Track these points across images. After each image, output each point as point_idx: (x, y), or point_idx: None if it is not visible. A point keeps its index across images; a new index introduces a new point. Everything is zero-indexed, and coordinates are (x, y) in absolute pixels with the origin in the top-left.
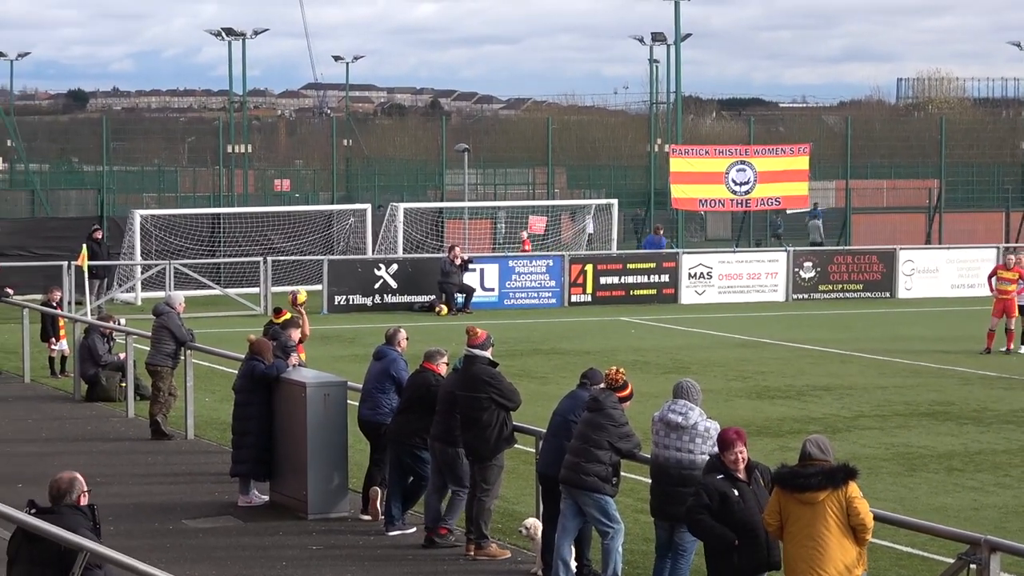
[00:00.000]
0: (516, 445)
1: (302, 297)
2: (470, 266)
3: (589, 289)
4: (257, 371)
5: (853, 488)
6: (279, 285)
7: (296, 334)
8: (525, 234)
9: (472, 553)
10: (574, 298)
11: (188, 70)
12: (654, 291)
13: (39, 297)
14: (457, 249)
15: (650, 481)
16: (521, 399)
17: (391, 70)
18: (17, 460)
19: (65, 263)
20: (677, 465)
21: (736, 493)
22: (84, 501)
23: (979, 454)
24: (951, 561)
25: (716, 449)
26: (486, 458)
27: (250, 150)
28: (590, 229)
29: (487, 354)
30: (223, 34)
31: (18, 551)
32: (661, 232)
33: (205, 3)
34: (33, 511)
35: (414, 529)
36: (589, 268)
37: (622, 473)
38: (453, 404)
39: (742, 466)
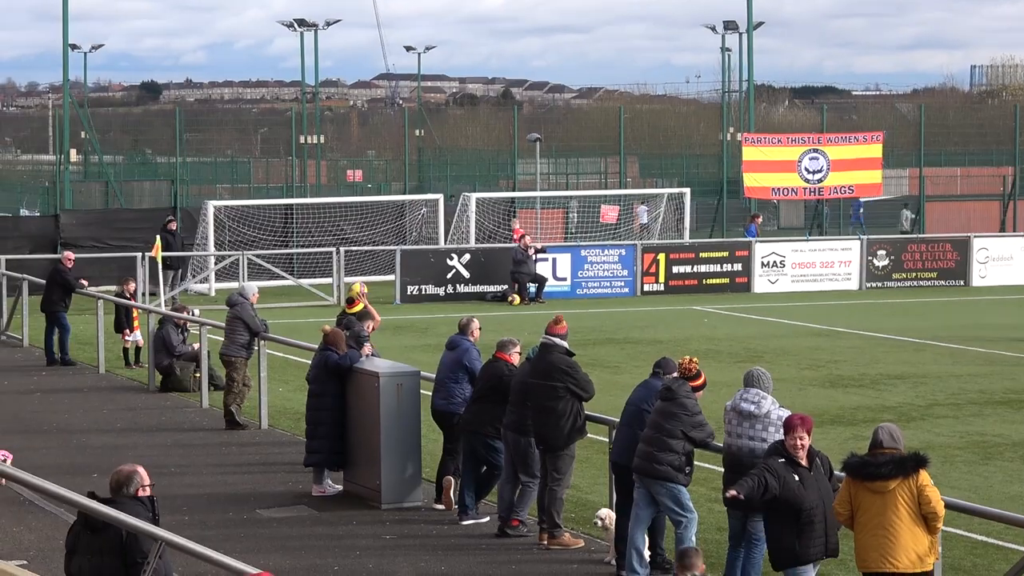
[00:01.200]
0: (589, 435)
1: (355, 290)
2: (542, 256)
3: (662, 278)
4: (331, 361)
5: (924, 476)
6: (352, 275)
7: (370, 324)
8: (517, 223)
9: (545, 543)
10: (647, 287)
11: (260, 61)
12: (727, 280)
13: (113, 288)
14: (528, 238)
15: (723, 470)
16: (595, 391)
17: (463, 60)
18: (92, 451)
19: (139, 254)
20: (750, 454)
21: (796, 478)
22: (144, 494)
23: None
24: None
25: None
26: (559, 448)
27: (322, 141)
28: (643, 219)
29: (565, 343)
30: (295, 25)
31: (77, 541)
32: (759, 220)
33: None
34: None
35: (487, 518)
36: (662, 257)
37: (695, 462)
38: (526, 394)
39: (802, 452)
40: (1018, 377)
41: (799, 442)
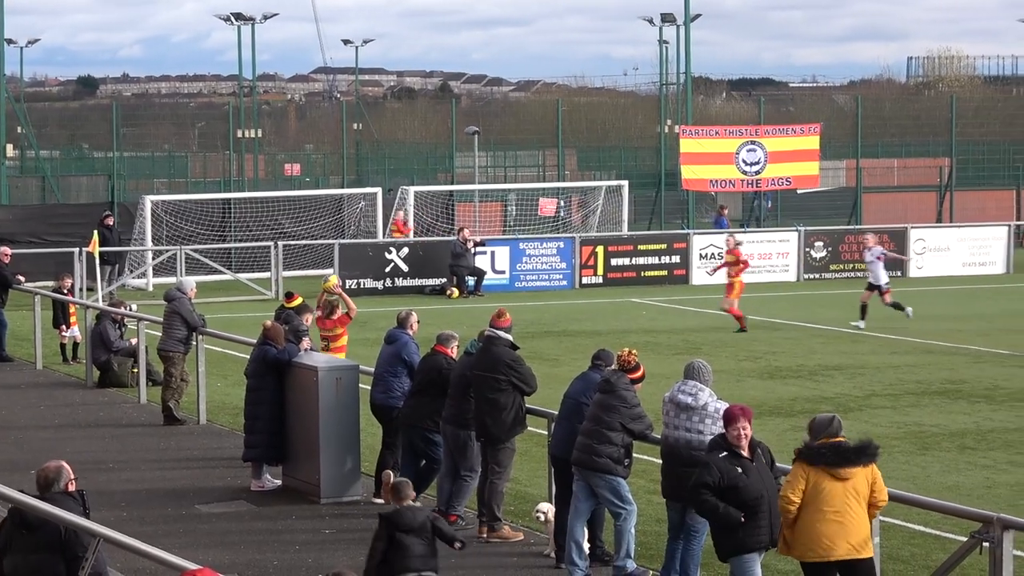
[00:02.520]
0: (528, 428)
1: (332, 281)
2: (480, 248)
3: (600, 271)
4: (269, 356)
5: (876, 467)
6: (290, 269)
7: (309, 318)
8: (401, 214)
9: (485, 535)
10: (585, 280)
11: (198, 55)
12: (665, 272)
13: (50, 284)
14: (467, 231)
15: (661, 462)
16: (538, 385)
17: (401, 53)
18: (30, 447)
19: (76, 249)
20: (687, 446)
21: (740, 470)
22: (72, 488)
23: (991, 432)
24: (964, 539)
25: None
26: (500, 441)
27: (260, 135)
28: (551, 213)
29: (509, 337)
30: (232, 19)
31: (10, 540)
32: (725, 212)
33: None
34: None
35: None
36: (600, 250)
37: (634, 454)
38: (466, 387)
39: (744, 443)
40: (955, 367)
41: (741, 432)
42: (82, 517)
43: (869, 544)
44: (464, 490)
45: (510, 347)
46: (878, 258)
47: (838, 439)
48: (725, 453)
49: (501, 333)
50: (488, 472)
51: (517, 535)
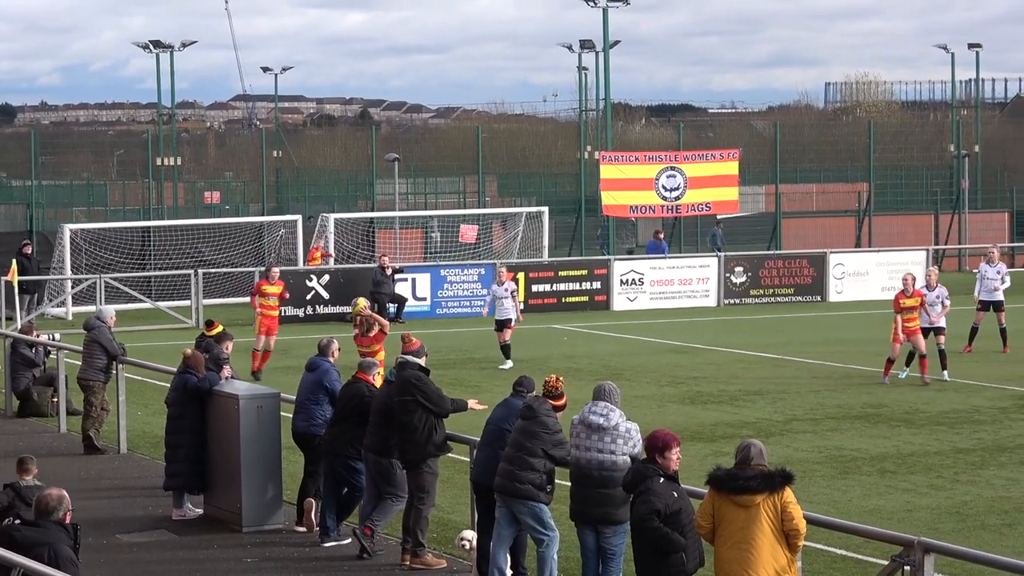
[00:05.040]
0: (451, 454)
1: (361, 304)
2: (400, 275)
3: (521, 297)
4: (190, 384)
5: (789, 493)
6: (210, 297)
7: (229, 346)
8: (322, 243)
9: (408, 562)
10: None
11: (116, 83)
12: (586, 298)
13: None
14: (387, 259)
15: (570, 485)
16: (450, 406)
17: (320, 80)
18: None
19: None
20: (599, 466)
21: (676, 495)
22: (68, 519)
23: (911, 456)
24: (885, 563)
25: (636, 450)
26: (415, 462)
27: (179, 162)
28: (471, 239)
29: (420, 361)
30: (151, 47)
31: None
32: (661, 236)
33: (133, 16)
34: (18, 521)
35: (349, 540)
36: (521, 276)
37: (556, 480)
38: (387, 415)
39: (676, 467)
40: (875, 392)
41: (678, 457)
42: (69, 549)
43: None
44: (386, 508)
45: (420, 370)
46: (997, 273)
47: (753, 465)
48: (662, 479)
49: (410, 358)
50: (412, 498)
51: (440, 562)
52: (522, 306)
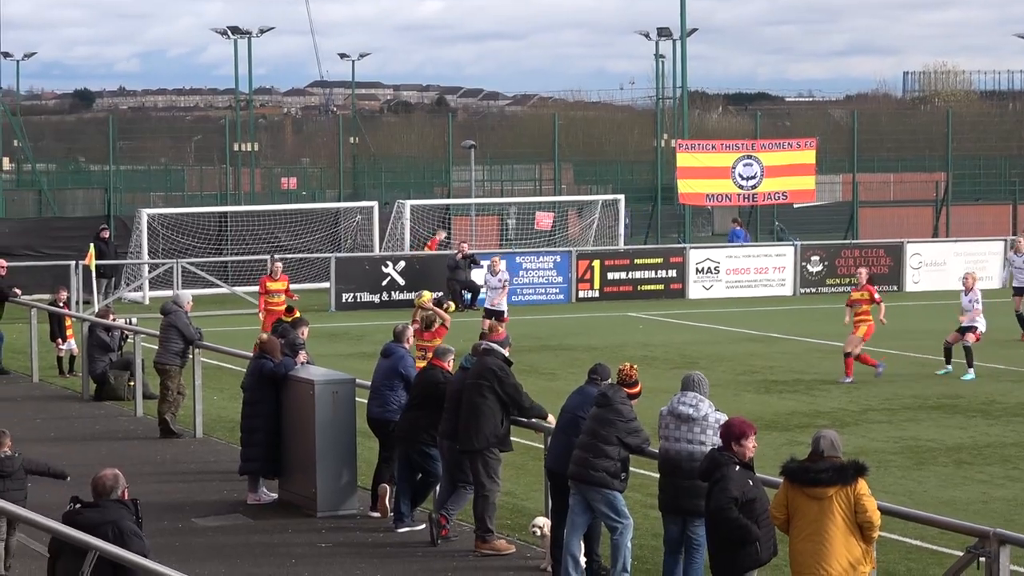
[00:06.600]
0: (525, 440)
1: (426, 297)
2: (478, 263)
3: (596, 285)
4: (265, 369)
5: (862, 485)
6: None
7: (305, 331)
8: (442, 235)
9: (478, 548)
10: (581, 294)
11: (194, 69)
12: (662, 286)
13: (47, 297)
14: (465, 245)
15: (659, 476)
16: (527, 403)
17: (397, 67)
18: None
19: (72, 263)
20: (689, 458)
21: (751, 483)
22: (126, 496)
23: (988, 447)
24: (960, 554)
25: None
26: (475, 448)
27: (256, 148)
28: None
29: (504, 351)
30: (228, 32)
31: (62, 545)
32: (739, 225)
33: (210, 2)
34: (78, 505)
35: (423, 526)
36: (596, 264)
37: (631, 468)
38: (461, 400)
39: (752, 454)
40: (951, 383)
41: (754, 445)
42: (132, 524)
43: (860, 568)
44: (462, 497)
45: (503, 360)
46: None
47: (826, 457)
48: (738, 467)
49: (495, 346)
50: (476, 484)
51: (510, 548)
52: (597, 294)
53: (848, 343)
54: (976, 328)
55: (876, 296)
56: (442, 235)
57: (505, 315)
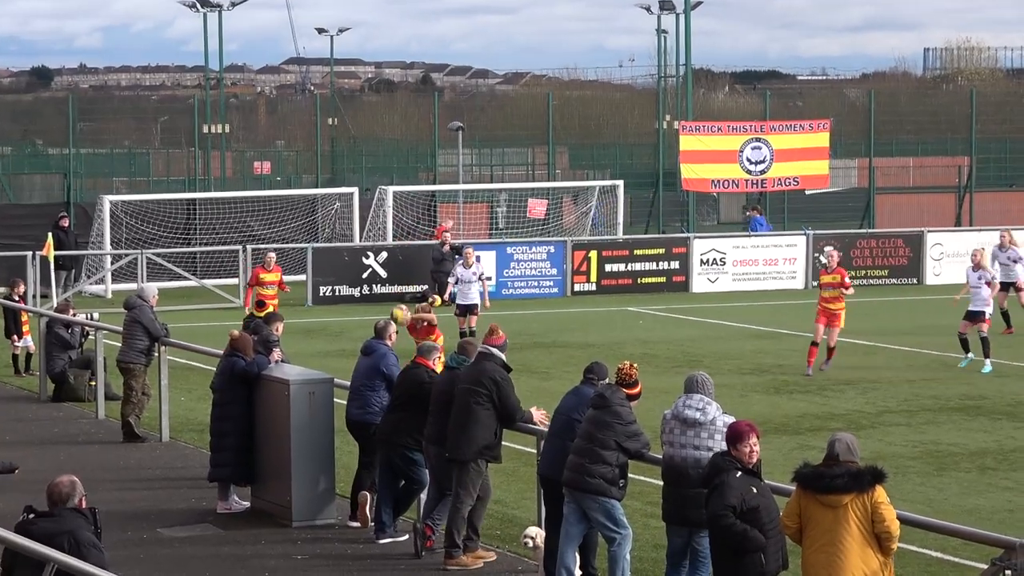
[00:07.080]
0: (517, 445)
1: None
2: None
3: (593, 277)
4: (237, 368)
5: (880, 493)
6: None
7: (280, 327)
8: (450, 223)
9: (445, 563)
10: (577, 287)
11: (160, 45)
12: (663, 279)
13: (1, 290)
14: (448, 235)
15: (662, 484)
16: (519, 418)
17: (379, 43)
18: None
19: (29, 254)
20: (696, 465)
21: (755, 490)
22: (84, 505)
23: (1014, 452)
24: (984, 567)
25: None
26: (464, 458)
27: (227, 130)
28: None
29: (503, 356)
30: (197, 5)
31: (15, 559)
32: (758, 213)
33: None
34: (32, 515)
35: (406, 536)
36: (593, 255)
37: (630, 475)
38: (448, 403)
39: (756, 459)
40: (974, 382)
41: (754, 449)
42: (90, 535)
43: None
44: (448, 506)
45: (503, 366)
46: (1014, 261)
47: (835, 462)
48: (739, 472)
49: (494, 350)
50: (452, 494)
51: (486, 556)
52: (594, 287)
53: (832, 336)
54: (985, 313)
55: (847, 281)
56: (449, 223)
57: (477, 310)
